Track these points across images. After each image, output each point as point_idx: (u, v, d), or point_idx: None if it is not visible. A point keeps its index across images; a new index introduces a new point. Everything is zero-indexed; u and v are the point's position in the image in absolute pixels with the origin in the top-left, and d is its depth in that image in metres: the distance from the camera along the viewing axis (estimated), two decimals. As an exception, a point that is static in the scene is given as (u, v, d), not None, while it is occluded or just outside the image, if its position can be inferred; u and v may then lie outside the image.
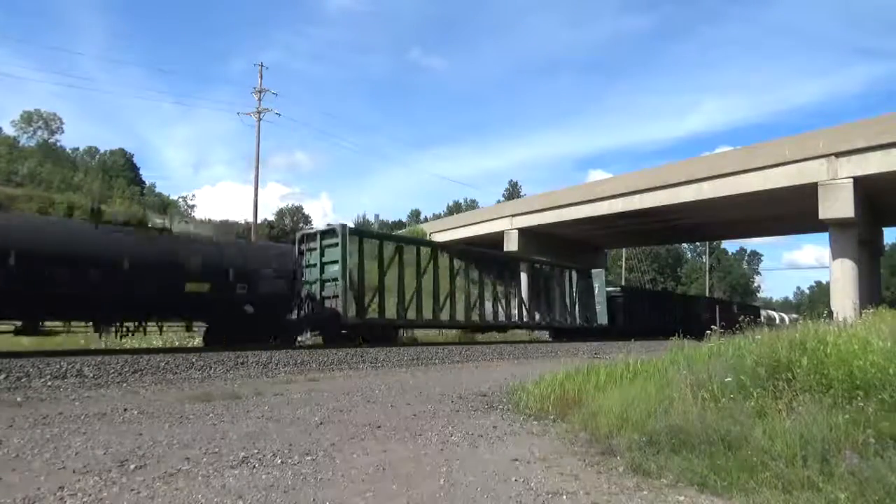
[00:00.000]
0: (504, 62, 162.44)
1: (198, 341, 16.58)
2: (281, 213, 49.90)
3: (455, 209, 78.33)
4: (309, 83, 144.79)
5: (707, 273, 76.80)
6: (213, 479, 3.95)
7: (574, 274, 28.82)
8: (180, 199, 56.73)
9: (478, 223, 45.91)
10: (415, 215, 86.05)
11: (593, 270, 30.15)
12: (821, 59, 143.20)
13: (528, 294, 26.10)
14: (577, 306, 28.35)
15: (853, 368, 4.98)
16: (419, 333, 23.39)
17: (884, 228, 37.67)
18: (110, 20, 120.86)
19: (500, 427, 6.07)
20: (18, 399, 7.20)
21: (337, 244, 17.19)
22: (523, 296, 25.81)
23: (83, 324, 13.01)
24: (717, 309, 41.94)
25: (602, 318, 28.74)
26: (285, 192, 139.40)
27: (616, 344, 21.56)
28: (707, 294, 69.05)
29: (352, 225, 22.04)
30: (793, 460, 3.97)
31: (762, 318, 52.12)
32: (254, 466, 4.30)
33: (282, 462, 4.45)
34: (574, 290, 28.47)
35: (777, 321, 51.38)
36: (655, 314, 33.31)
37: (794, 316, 59.68)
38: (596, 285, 29.53)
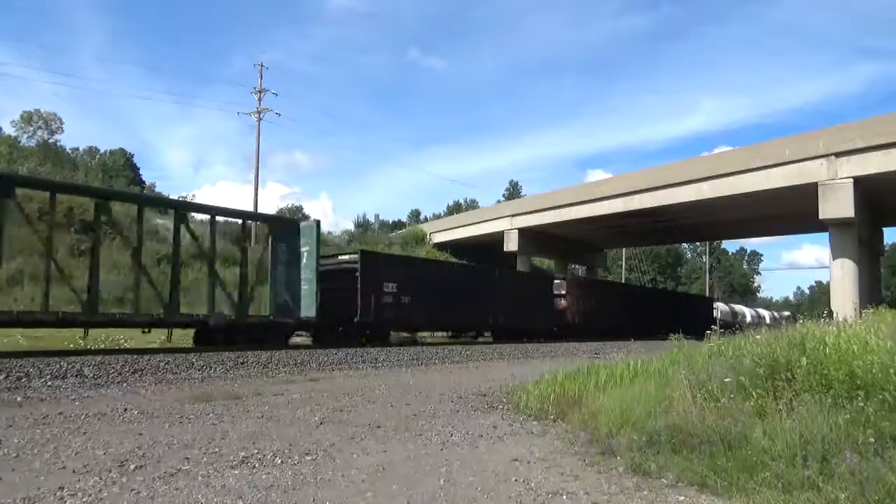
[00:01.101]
0: (504, 62, 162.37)
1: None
2: (281, 213, 49.88)
3: (455, 209, 78.30)
4: (309, 83, 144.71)
5: (707, 273, 76.80)
6: (213, 479, 3.96)
7: (261, 229, 16.92)
8: (180, 199, 56.66)
9: (478, 223, 45.92)
10: (415, 215, 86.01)
11: (302, 224, 17.92)
12: (821, 59, 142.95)
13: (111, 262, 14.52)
14: (262, 288, 17.39)
15: (854, 368, 4.98)
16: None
17: (884, 228, 37.63)
18: (110, 20, 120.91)
19: (500, 427, 6.08)
20: (18, 399, 7.21)
21: None
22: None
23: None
24: (596, 299, 29.84)
25: (307, 308, 16.64)
26: (285, 191, 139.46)
27: (616, 344, 21.59)
28: (707, 293, 68.12)
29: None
30: (793, 460, 3.97)
31: (717, 314, 41.06)
32: (254, 466, 4.31)
33: (282, 462, 4.45)
34: (259, 260, 17.44)
35: (749, 320, 42.08)
36: (446, 303, 21.29)
37: (786, 314, 52.64)
38: (304, 250, 16.98)
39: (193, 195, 62.90)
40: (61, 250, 16.65)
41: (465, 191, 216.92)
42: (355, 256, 19.80)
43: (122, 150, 60.98)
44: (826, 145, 25.41)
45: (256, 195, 34.03)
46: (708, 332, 8.24)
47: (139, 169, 62.27)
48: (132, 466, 4.20)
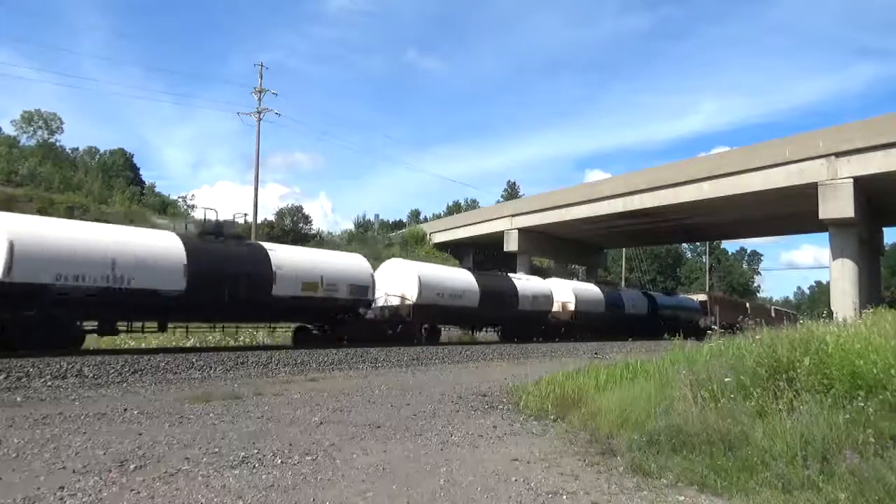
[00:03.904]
0: (504, 62, 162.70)
1: (192, 342, 16.49)
2: (281, 213, 49.74)
3: (455, 209, 78.24)
4: (309, 83, 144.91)
5: (707, 273, 76.75)
6: (213, 479, 3.95)
7: None
8: (180, 200, 56.65)
9: (478, 223, 45.94)
10: (415, 215, 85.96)
11: None
12: (821, 59, 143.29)
13: None
14: None
15: (857, 367, 4.98)
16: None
17: (884, 228, 37.65)
18: (110, 20, 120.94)
19: (501, 427, 6.08)
20: (18, 399, 7.20)
21: None
22: None
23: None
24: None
25: None
26: (284, 191, 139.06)
27: (616, 344, 21.57)
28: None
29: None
30: (793, 460, 3.97)
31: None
32: (254, 466, 4.30)
33: (282, 462, 4.45)
34: None
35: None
36: None
37: (700, 298, 39.11)
38: None
39: (192, 195, 62.80)
40: None
41: (465, 191, 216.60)
42: None
43: (121, 150, 60.96)
44: (826, 145, 25.42)
45: (256, 195, 33.96)
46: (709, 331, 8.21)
47: (139, 169, 62.29)
48: (132, 466, 4.19)
